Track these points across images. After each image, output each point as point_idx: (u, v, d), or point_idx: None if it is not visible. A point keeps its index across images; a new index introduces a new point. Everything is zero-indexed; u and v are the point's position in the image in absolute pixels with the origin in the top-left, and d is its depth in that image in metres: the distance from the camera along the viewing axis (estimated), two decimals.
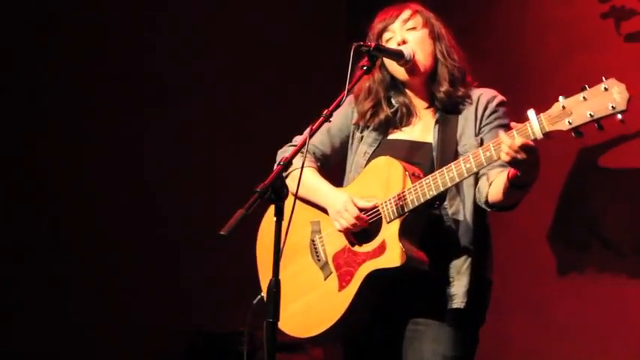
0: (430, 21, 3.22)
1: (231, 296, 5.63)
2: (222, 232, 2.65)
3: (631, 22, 5.25)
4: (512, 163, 2.81)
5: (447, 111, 3.20)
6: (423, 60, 3.18)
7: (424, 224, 3.08)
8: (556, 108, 2.71)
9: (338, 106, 2.99)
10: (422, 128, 3.24)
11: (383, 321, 3.15)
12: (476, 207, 3.09)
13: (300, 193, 3.17)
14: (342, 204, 3.14)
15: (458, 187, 3.09)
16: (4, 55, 5.23)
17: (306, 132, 2.97)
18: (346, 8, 6.48)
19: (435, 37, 3.21)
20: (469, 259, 3.08)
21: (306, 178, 3.18)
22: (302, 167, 2.93)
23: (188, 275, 5.65)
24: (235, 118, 5.89)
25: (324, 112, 2.95)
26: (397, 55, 3.14)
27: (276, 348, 2.69)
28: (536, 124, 2.74)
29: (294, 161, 3.14)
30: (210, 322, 5.55)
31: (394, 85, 3.27)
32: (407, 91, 3.27)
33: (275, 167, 2.81)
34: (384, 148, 3.23)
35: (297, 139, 3.34)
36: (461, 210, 3.10)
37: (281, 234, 2.73)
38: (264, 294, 3.19)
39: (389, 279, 3.06)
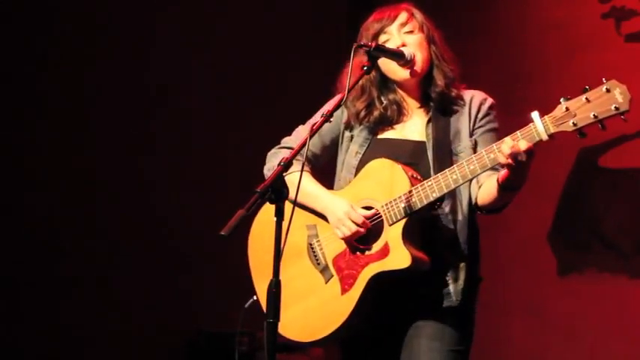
0: (425, 25, 3.24)
1: (231, 296, 5.64)
2: (222, 233, 2.64)
3: (631, 22, 5.25)
4: (510, 165, 2.87)
5: (440, 111, 3.22)
6: (421, 63, 3.19)
7: (427, 225, 3.10)
8: (559, 110, 2.80)
9: (338, 106, 2.99)
10: (413, 127, 3.25)
11: (382, 322, 3.16)
12: (471, 207, 3.14)
13: (300, 199, 3.15)
14: (342, 212, 3.14)
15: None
16: (5, 58, 5.23)
17: (307, 134, 2.95)
18: (347, 6, 6.48)
19: (429, 40, 3.23)
20: (465, 258, 3.12)
21: (302, 183, 3.13)
22: (302, 170, 2.92)
23: (188, 275, 5.65)
24: (235, 116, 5.89)
25: (324, 113, 2.95)
26: (398, 56, 3.14)
27: (276, 348, 2.69)
28: (540, 125, 2.82)
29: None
30: (210, 322, 5.55)
31: (385, 85, 3.28)
32: (399, 90, 3.28)
33: (276, 167, 2.80)
34: (375, 147, 3.24)
35: (286, 140, 3.38)
36: (458, 210, 3.13)
37: (281, 235, 2.72)
38: (255, 297, 3.29)
39: (393, 281, 3.07)
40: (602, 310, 5.18)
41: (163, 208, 5.62)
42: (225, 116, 5.84)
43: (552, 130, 2.81)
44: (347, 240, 3.15)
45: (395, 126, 3.26)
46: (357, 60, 3.11)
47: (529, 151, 2.84)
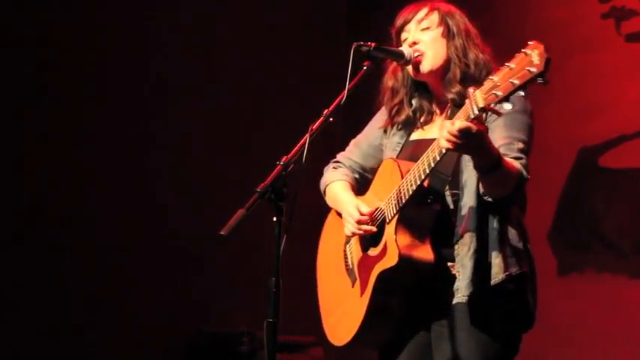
0: (446, 19, 3.15)
1: (232, 296, 5.66)
2: (222, 233, 2.65)
3: (631, 22, 5.25)
4: (455, 149, 2.76)
5: (458, 105, 3.04)
6: (433, 60, 3.12)
7: (429, 220, 3.02)
8: (489, 83, 2.63)
9: (338, 106, 2.97)
10: (437, 125, 3.18)
11: (408, 324, 3.10)
12: (479, 198, 2.98)
13: (330, 205, 3.35)
14: (346, 212, 3.16)
15: (459, 178, 3.03)
16: (5, 58, 5.23)
17: (306, 135, 2.95)
18: (347, 6, 6.48)
19: (449, 35, 3.14)
20: (471, 251, 2.97)
21: (334, 191, 3.33)
22: (301, 172, 2.89)
23: (188, 275, 5.65)
24: (235, 116, 5.89)
25: (324, 113, 2.95)
26: (397, 56, 3.12)
27: (276, 348, 2.69)
28: (472, 102, 2.67)
29: (328, 175, 3.38)
30: (211, 322, 5.55)
31: (418, 85, 3.23)
32: (430, 90, 3.22)
33: (277, 167, 2.80)
34: (406, 149, 3.21)
35: (339, 156, 3.43)
36: (463, 202, 3.01)
37: (281, 234, 2.71)
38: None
39: (397, 279, 3.02)
40: (602, 310, 5.17)
41: (163, 208, 5.62)
42: (226, 116, 5.84)
43: (481, 104, 2.63)
44: (355, 237, 3.18)
45: (425, 127, 3.22)
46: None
47: (462, 131, 2.69)
